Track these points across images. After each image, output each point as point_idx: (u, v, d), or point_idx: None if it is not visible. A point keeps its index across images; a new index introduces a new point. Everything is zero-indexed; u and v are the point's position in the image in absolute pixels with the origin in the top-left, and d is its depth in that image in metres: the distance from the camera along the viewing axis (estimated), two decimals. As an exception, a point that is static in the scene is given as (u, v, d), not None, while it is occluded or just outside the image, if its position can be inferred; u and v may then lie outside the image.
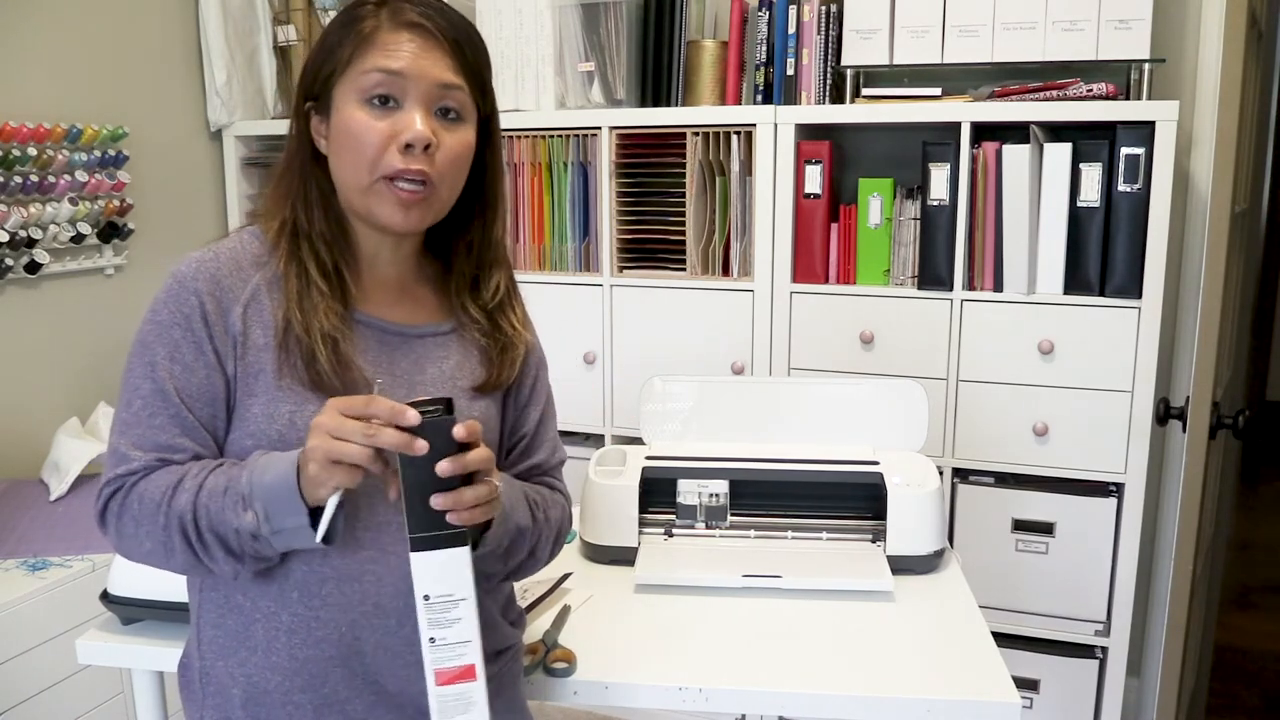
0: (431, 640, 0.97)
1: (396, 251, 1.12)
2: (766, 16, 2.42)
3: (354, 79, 1.03)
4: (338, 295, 1.06)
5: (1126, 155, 2.09)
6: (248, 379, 1.04)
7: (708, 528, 1.63)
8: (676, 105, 2.49)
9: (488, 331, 1.15)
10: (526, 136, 2.52)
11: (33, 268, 2.28)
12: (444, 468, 0.93)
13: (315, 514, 0.97)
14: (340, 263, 1.08)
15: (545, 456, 1.23)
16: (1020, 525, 2.27)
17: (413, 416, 0.92)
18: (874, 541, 1.60)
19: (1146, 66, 2.15)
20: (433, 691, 0.98)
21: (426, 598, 0.96)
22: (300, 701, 1.05)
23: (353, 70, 1.03)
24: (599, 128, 2.44)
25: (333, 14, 3.08)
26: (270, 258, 1.08)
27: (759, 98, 2.46)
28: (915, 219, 2.29)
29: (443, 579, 0.96)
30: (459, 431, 0.93)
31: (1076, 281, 2.17)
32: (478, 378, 1.14)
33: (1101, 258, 2.14)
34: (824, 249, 2.37)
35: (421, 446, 0.92)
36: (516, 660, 1.24)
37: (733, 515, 1.64)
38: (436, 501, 0.94)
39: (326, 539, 0.97)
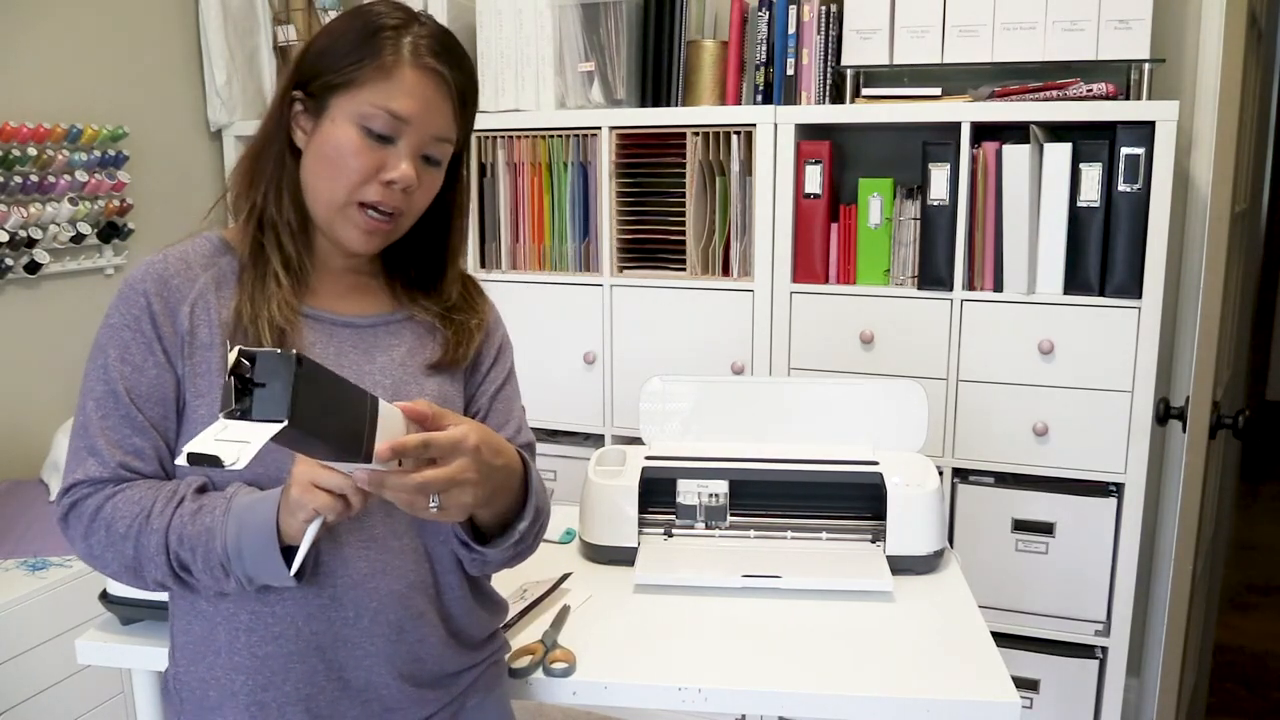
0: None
1: (349, 255, 1.13)
2: (766, 16, 2.42)
3: (358, 103, 1.03)
4: (294, 288, 1.07)
5: (1126, 155, 2.09)
6: (195, 379, 1.04)
7: (707, 528, 1.63)
8: (676, 105, 2.49)
9: (440, 315, 1.16)
10: (526, 136, 2.52)
11: (33, 268, 2.28)
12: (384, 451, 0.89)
13: (288, 552, 0.98)
14: (304, 254, 1.09)
15: (510, 435, 1.20)
16: (1020, 525, 2.27)
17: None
18: (874, 541, 1.60)
19: (1146, 66, 2.15)
20: None
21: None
22: (265, 700, 1.05)
23: (360, 95, 1.03)
24: (599, 128, 2.44)
25: (333, 14, 3.04)
26: (220, 258, 1.09)
27: (759, 98, 2.46)
28: (915, 219, 2.29)
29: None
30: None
31: (1076, 281, 2.17)
32: (433, 357, 1.15)
33: (1101, 258, 2.14)
34: (824, 249, 2.37)
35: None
36: (500, 663, 1.25)
37: (732, 515, 1.64)
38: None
39: (299, 573, 0.99)
